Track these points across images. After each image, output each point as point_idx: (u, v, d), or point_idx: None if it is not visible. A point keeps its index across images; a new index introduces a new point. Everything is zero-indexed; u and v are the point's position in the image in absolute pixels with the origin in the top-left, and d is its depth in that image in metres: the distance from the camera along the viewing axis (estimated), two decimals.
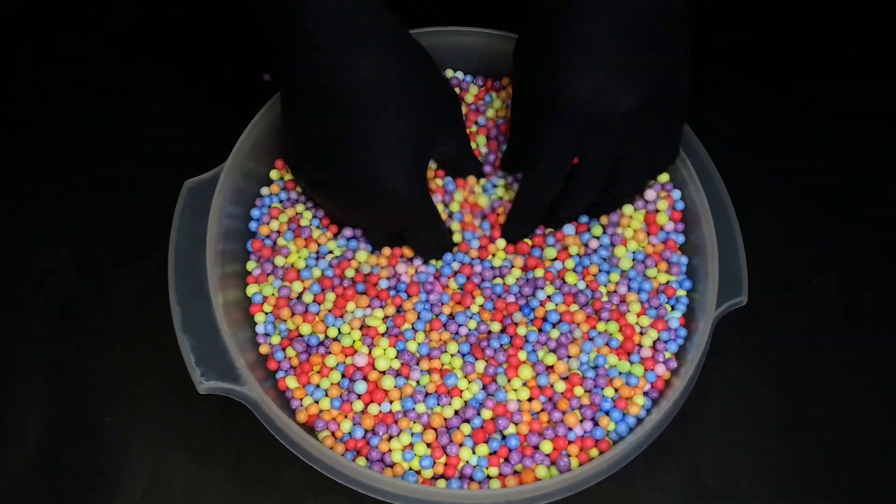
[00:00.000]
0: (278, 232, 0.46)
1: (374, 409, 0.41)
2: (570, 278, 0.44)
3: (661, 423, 0.39)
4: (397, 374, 0.42)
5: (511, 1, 0.45)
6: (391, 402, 0.41)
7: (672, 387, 0.41)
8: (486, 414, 0.41)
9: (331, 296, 0.44)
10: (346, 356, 0.42)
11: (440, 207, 0.45)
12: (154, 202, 0.47)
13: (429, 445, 0.40)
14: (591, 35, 0.37)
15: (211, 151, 0.45)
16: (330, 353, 0.42)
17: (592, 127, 0.38)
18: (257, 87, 0.52)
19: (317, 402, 0.41)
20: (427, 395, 0.41)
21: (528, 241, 0.45)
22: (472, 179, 0.47)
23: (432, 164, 0.46)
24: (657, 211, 0.46)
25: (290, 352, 0.43)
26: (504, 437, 0.41)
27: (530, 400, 0.41)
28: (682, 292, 0.44)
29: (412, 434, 0.40)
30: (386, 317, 0.43)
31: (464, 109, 0.49)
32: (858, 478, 0.43)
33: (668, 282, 0.44)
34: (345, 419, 0.41)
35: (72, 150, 0.52)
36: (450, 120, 0.42)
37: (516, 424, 0.41)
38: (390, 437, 0.40)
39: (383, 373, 0.42)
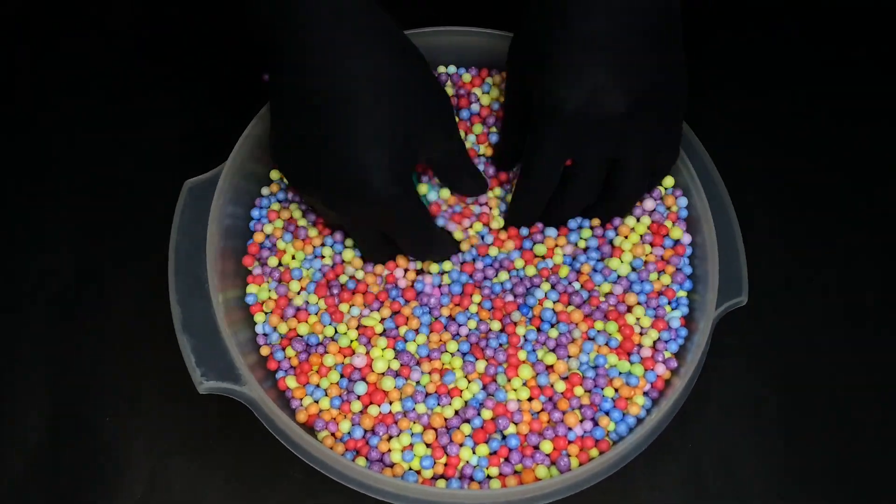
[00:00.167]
0: (283, 229, 0.46)
1: (373, 409, 0.41)
2: (563, 272, 0.44)
3: (661, 423, 0.39)
4: (397, 374, 0.42)
5: (510, 1, 0.45)
6: (391, 403, 0.41)
7: (672, 387, 0.41)
8: (487, 414, 0.41)
9: (322, 303, 0.43)
10: (345, 356, 0.42)
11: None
12: (154, 202, 0.47)
13: (429, 445, 0.40)
14: (592, 35, 0.37)
15: (211, 151, 0.45)
16: (328, 352, 0.42)
17: (592, 127, 0.38)
18: (257, 87, 0.51)
19: (316, 402, 0.41)
20: (427, 395, 0.41)
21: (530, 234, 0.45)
22: (486, 197, 0.46)
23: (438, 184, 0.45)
24: (664, 220, 0.45)
25: (290, 352, 0.43)
26: (504, 437, 0.41)
27: (530, 400, 0.41)
28: (682, 293, 0.44)
29: (412, 434, 0.40)
30: (383, 318, 0.43)
31: (454, 100, 0.48)
32: (858, 478, 0.43)
33: (668, 284, 0.44)
34: (344, 419, 0.41)
35: (72, 150, 0.52)
36: (441, 122, 0.40)
37: (516, 424, 0.41)
38: (390, 438, 0.40)
39: (382, 374, 0.42)
